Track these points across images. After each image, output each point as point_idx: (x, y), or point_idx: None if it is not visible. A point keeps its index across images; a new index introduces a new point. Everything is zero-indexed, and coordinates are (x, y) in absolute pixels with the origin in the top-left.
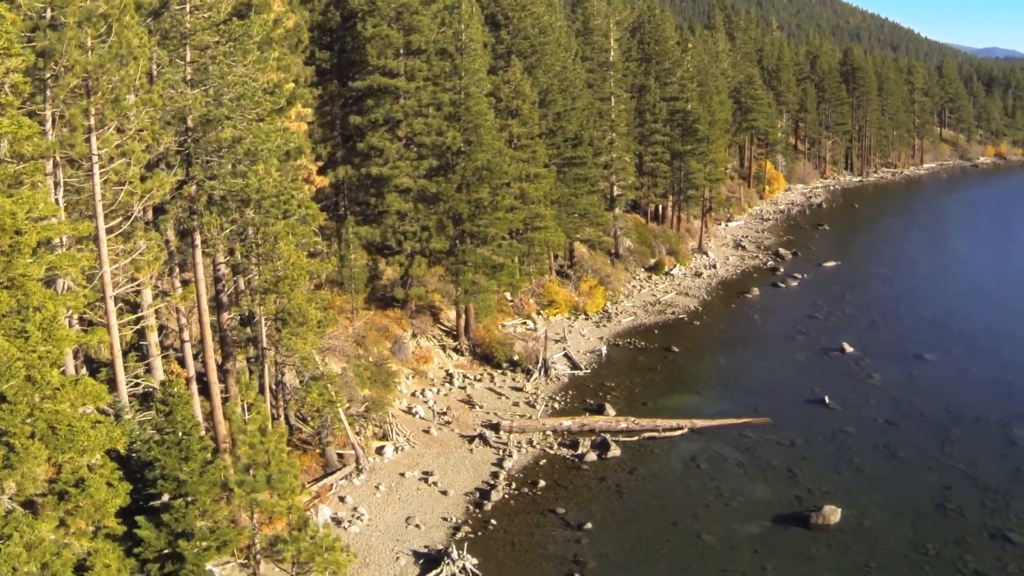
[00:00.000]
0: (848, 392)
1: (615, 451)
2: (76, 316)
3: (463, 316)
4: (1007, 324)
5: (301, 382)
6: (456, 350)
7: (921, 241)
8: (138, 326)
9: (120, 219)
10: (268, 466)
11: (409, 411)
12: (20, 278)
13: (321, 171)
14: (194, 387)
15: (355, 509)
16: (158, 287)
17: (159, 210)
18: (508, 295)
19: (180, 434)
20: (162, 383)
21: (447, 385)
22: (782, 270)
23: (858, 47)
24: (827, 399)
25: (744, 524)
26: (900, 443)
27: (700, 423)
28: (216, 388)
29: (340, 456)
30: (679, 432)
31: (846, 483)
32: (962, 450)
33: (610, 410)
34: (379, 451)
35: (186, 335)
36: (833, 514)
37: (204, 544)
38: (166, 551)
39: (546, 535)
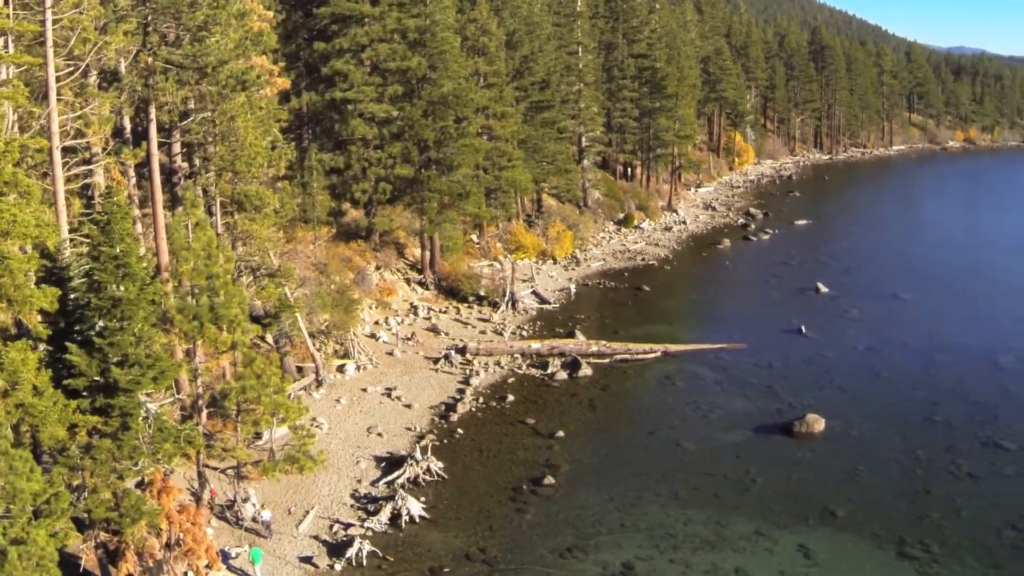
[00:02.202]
0: (825, 324)
1: (586, 371)
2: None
3: (428, 249)
4: (981, 269)
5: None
6: (421, 283)
7: (892, 204)
8: (84, 180)
9: (72, 70)
10: (212, 293)
11: (372, 336)
12: None
13: (284, 100)
14: None
15: (314, 419)
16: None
17: (114, 78)
18: (474, 237)
19: (118, 249)
20: (102, 193)
21: (411, 316)
22: (753, 227)
23: (825, 28)
24: (803, 329)
25: (724, 433)
26: (882, 366)
27: (674, 347)
28: (161, 216)
29: (299, 369)
30: (652, 355)
31: (829, 399)
32: (947, 372)
33: (580, 336)
34: (340, 369)
35: (139, 227)
36: (817, 423)
37: (139, 372)
38: (98, 379)
39: (516, 442)
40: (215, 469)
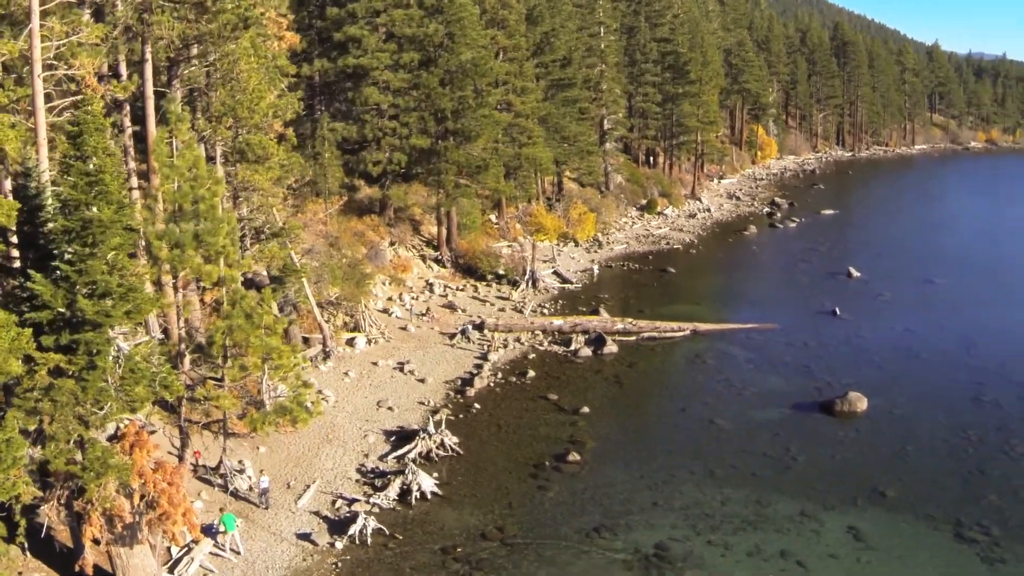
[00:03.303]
0: (859, 306)
1: (611, 348)
2: None
3: (445, 225)
4: (1013, 258)
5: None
6: (437, 261)
7: (918, 198)
8: (65, 115)
9: None
10: (198, 218)
11: (385, 312)
12: None
13: (297, 67)
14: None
15: (320, 392)
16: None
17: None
18: (493, 217)
19: (91, 164)
20: (75, 103)
21: (427, 293)
22: (779, 215)
23: (847, 24)
24: (837, 310)
25: (760, 411)
26: (921, 347)
27: (703, 326)
28: (153, 130)
29: (305, 340)
30: (681, 334)
31: (868, 378)
32: (989, 354)
33: (605, 314)
34: (350, 342)
35: (135, 182)
36: (860, 401)
37: (109, 304)
38: (63, 312)
39: (537, 418)
40: (196, 423)
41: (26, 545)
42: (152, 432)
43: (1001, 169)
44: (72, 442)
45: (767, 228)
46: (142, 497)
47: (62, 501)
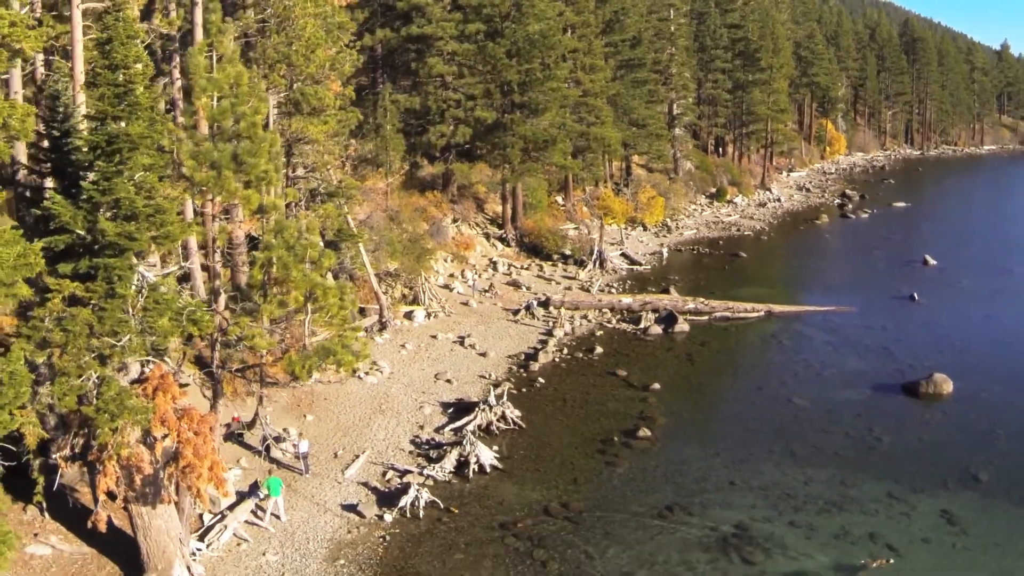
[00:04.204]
0: (937, 292)
1: (682, 327)
2: None
3: (509, 202)
4: None
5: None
6: (501, 239)
7: (990, 193)
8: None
9: None
10: (237, 139)
11: (446, 288)
12: None
13: (358, 36)
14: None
15: (374, 363)
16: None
17: None
18: (559, 199)
19: (119, 73)
20: (105, 9)
21: (490, 270)
22: (851, 206)
23: (916, 21)
24: (915, 296)
25: (841, 391)
26: (1003, 333)
27: (778, 308)
28: None
29: (362, 310)
30: (755, 315)
31: (951, 362)
32: None
33: (675, 293)
34: (408, 316)
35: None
36: (945, 383)
37: (134, 227)
38: (83, 236)
39: (605, 394)
40: (229, 369)
41: (44, 505)
42: (184, 386)
43: None
44: (90, 380)
45: (839, 218)
46: (171, 457)
47: (76, 450)
